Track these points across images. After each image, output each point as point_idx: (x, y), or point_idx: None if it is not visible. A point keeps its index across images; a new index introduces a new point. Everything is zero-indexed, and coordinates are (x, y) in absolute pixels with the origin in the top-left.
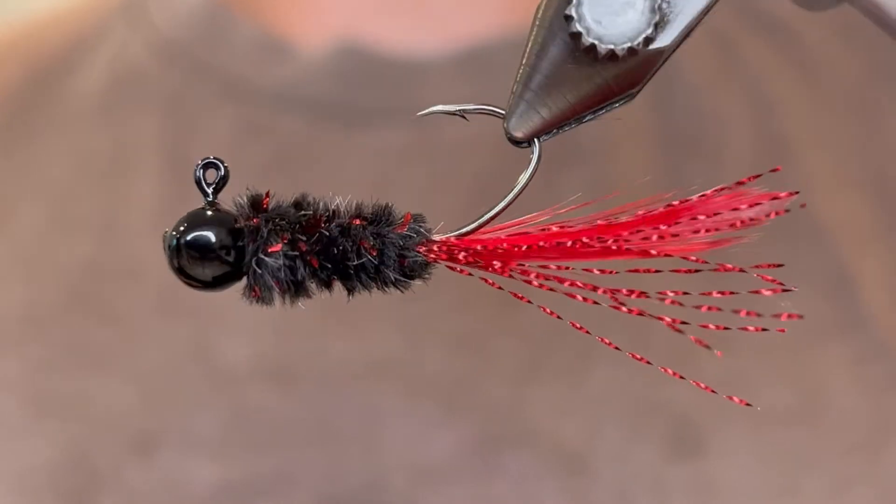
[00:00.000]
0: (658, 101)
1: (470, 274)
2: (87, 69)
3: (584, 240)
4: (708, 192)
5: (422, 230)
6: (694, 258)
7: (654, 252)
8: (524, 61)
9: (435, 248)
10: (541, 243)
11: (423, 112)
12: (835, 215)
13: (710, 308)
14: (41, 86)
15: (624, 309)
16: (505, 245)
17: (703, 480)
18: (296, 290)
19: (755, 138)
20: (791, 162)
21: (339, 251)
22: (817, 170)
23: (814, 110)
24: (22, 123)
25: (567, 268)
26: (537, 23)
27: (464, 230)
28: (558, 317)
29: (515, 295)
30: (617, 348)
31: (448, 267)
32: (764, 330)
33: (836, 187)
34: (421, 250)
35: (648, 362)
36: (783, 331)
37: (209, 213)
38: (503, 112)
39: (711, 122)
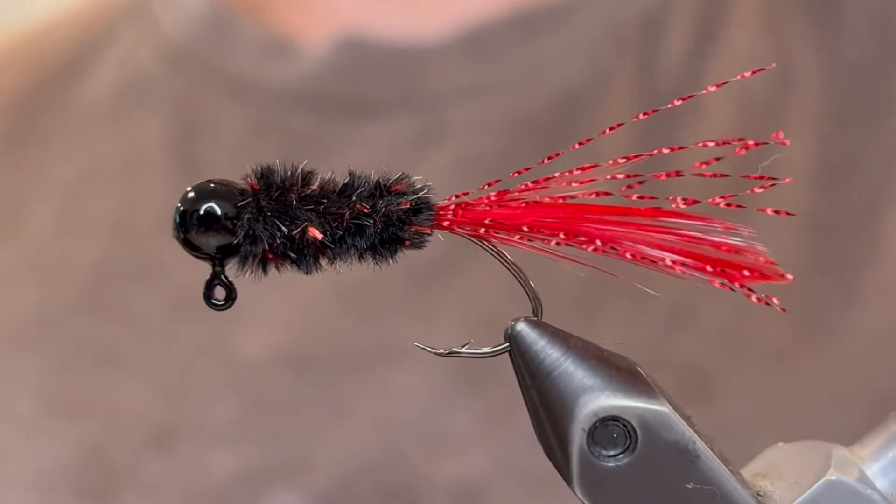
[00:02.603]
0: (642, 63)
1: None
2: (95, 73)
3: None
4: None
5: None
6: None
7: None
8: None
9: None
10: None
11: (442, 352)
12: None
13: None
14: (50, 90)
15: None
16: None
17: (713, 425)
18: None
19: (734, 99)
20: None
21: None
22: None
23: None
24: (32, 127)
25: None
26: None
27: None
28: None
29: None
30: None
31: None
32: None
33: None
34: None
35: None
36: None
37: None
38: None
39: (692, 82)
